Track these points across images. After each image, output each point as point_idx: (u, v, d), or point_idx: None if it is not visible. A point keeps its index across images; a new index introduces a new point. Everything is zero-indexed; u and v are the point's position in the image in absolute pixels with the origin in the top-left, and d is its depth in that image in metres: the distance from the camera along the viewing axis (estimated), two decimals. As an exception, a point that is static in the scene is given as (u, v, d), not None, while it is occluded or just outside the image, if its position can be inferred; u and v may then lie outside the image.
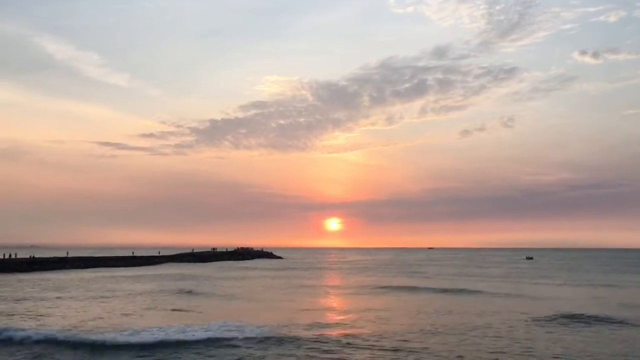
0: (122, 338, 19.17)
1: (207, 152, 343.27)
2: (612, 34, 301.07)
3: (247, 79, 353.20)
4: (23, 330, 20.81)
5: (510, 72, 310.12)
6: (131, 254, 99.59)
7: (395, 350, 18.10)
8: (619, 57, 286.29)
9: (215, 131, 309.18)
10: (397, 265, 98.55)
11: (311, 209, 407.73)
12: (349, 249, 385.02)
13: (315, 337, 20.28)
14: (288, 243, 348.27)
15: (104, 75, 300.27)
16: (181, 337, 19.66)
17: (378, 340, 19.56)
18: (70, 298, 34.68)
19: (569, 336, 20.88)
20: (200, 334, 20.16)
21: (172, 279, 55.13)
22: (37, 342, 19.12)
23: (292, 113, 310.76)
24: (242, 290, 42.36)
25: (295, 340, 19.48)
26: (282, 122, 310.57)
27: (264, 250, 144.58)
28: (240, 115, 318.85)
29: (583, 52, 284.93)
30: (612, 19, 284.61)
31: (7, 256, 73.33)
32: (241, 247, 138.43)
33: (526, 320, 24.60)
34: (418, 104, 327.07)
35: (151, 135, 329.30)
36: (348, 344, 19.07)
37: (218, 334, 20.29)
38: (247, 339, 19.70)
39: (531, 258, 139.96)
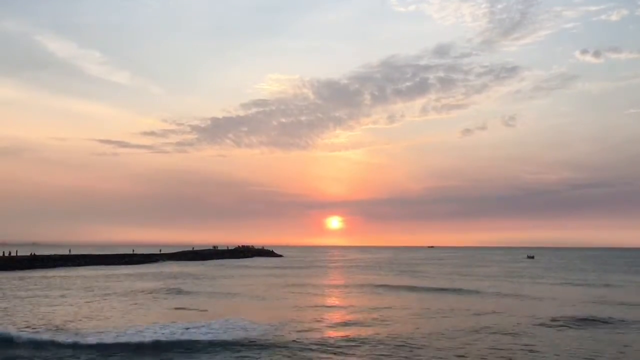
0: (91, 339, 18.75)
1: (209, 151, 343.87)
2: (613, 33, 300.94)
3: (249, 77, 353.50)
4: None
5: (511, 70, 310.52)
6: (131, 252, 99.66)
7: (398, 350, 18.06)
8: (621, 56, 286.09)
9: (217, 129, 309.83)
10: (397, 264, 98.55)
11: (312, 207, 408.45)
12: (349, 247, 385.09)
13: (312, 338, 20.19)
14: (289, 241, 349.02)
15: (105, 73, 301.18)
16: (162, 338, 19.35)
17: (381, 342, 19.42)
18: (61, 297, 34.58)
19: (573, 338, 20.57)
20: (187, 335, 19.91)
21: (170, 277, 55.23)
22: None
23: (293, 111, 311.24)
24: (237, 289, 42.27)
25: (291, 342, 19.37)
26: (283, 120, 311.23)
27: (265, 248, 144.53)
28: (242, 113, 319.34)
29: (585, 51, 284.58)
30: (614, 18, 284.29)
31: (6, 254, 73.47)
32: (242, 245, 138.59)
33: (529, 322, 24.14)
34: (419, 102, 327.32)
35: (152, 133, 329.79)
36: (348, 346, 18.91)
37: (213, 336, 20.08)
38: (243, 339, 19.58)
39: (532, 257, 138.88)
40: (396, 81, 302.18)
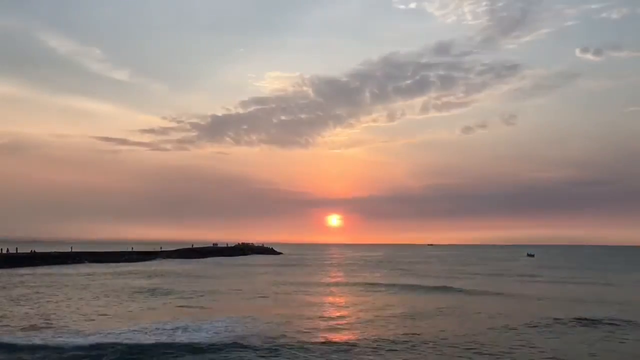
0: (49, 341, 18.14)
1: (209, 148, 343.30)
2: (614, 31, 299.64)
3: (249, 74, 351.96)
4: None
5: (512, 69, 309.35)
6: (130, 249, 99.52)
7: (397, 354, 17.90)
8: (622, 54, 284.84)
9: (217, 127, 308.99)
10: (396, 262, 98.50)
11: (312, 205, 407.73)
12: (349, 245, 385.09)
13: (309, 341, 19.97)
14: (289, 239, 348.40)
15: (105, 70, 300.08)
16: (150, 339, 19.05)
17: (380, 345, 19.21)
18: (51, 295, 34.48)
19: (577, 339, 20.12)
20: (185, 336, 19.71)
21: (160, 275, 55.13)
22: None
23: (293, 109, 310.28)
24: (223, 288, 42.14)
25: (287, 346, 19.26)
26: (283, 118, 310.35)
27: (265, 246, 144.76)
28: (242, 111, 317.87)
29: (585, 49, 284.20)
30: (615, 16, 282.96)
31: (4, 251, 73.38)
32: (242, 243, 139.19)
33: (530, 322, 23.52)
34: (420, 100, 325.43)
35: (153, 130, 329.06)
36: (345, 350, 18.64)
37: (202, 340, 20.01)
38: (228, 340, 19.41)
39: (532, 255, 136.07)
40: (397, 79, 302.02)
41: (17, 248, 79.89)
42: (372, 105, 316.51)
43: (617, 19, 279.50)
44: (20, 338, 19.01)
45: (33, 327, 21.57)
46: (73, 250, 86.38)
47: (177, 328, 21.04)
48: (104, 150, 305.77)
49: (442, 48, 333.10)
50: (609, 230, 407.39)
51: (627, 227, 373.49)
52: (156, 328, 20.93)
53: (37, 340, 18.44)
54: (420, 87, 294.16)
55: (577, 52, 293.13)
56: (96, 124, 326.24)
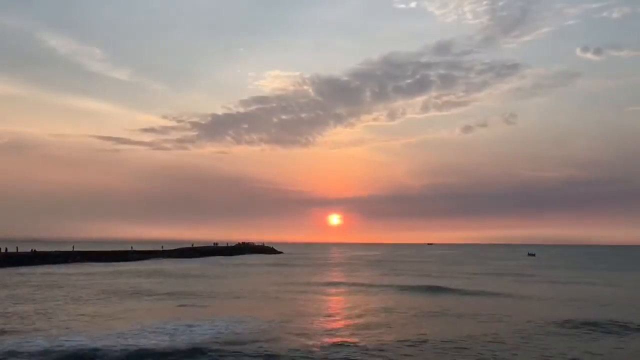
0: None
1: (209, 147, 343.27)
2: (615, 31, 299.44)
3: (249, 74, 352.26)
4: None
5: (512, 68, 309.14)
6: (130, 249, 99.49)
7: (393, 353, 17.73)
8: (622, 53, 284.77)
9: (217, 126, 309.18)
10: (397, 262, 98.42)
11: (313, 204, 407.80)
12: (349, 245, 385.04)
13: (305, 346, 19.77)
14: (290, 238, 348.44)
15: (105, 70, 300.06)
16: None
17: (382, 348, 19.01)
18: (52, 295, 34.43)
19: (587, 344, 19.02)
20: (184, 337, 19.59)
21: (155, 275, 55.06)
22: None
23: (294, 108, 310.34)
24: (214, 289, 42.03)
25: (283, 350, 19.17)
26: (284, 117, 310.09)
27: (265, 245, 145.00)
28: (242, 110, 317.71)
29: (586, 49, 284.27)
30: (616, 15, 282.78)
31: (3, 250, 73.36)
32: (242, 242, 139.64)
33: (536, 325, 22.41)
34: (420, 99, 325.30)
35: (153, 129, 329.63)
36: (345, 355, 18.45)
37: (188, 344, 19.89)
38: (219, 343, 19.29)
39: (533, 255, 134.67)
40: (397, 78, 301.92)
41: (17, 247, 79.88)
42: (373, 104, 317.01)
43: (617, 18, 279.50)
44: (21, 339, 18.89)
45: (33, 328, 21.42)
46: (75, 249, 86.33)
47: (178, 328, 20.92)
48: (104, 150, 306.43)
49: (443, 47, 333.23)
50: (609, 230, 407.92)
51: (627, 227, 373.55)
52: (156, 328, 20.81)
53: (38, 341, 18.25)
54: (421, 86, 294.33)
55: (578, 51, 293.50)
56: (96, 123, 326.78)
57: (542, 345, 18.55)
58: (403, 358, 16.86)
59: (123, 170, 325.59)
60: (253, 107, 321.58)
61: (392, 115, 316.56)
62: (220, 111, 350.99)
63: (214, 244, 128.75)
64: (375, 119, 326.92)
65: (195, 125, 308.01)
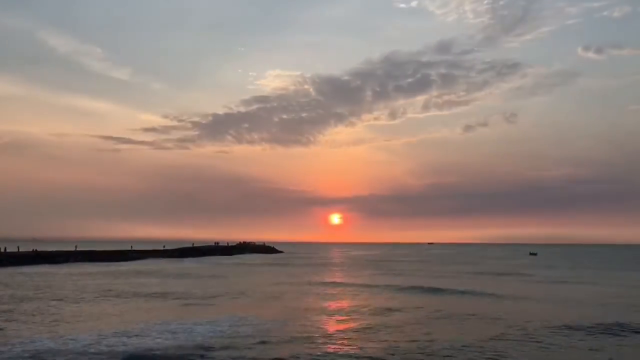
0: None
1: (210, 147, 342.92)
2: (616, 30, 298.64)
3: (250, 73, 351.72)
4: None
5: (513, 67, 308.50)
6: (130, 248, 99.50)
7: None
8: (623, 52, 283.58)
9: (218, 126, 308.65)
10: (397, 262, 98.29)
11: (314, 203, 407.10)
12: (350, 244, 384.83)
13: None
14: (290, 238, 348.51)
15: (106, 69, 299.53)
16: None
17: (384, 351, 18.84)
18: (53, 295, 34.38)
19: (606, 350, 17.92)
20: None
21: (165, 274, 55.03)
22: None
23: (294, 108, 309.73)
24: (198, 290, 41.90)
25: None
26: (284, 116, 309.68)
27: (266, 244, 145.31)
28: (243, 109, 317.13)
29: (587, 48, 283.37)
30: (617, 14, 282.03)
31: (2, 249, 73.35)
32: (243, 242, 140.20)
33: (548, 329, 21.23)
34: (421, 99, 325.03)
35: (154, 129, 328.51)
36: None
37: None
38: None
39: (535, 254, 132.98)
40: (398, 77, 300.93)
41: (18, 247, 79.88)
42: (374, 103, 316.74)
43: (618, 17, 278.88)
44: (26, 339, 18.83)
45: (37, 328, 21.39)
46: (77, 249, 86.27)
47: (181, 327, 20.95)
48: (104, 149, 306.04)
49: (443, 46, 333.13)
50: (611, 229, 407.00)
51: (628, 226, 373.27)
52: (159, 328, 20.84)
53: (44, 341, 18.25)
54: (422, 85, 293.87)
55: (579, 50, 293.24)
56: (97, 123, 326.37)
57: (553, 349, 17.76)
58: None
59: (124, 170, 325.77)
60: (254, 107, 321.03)
61: (393, 115, 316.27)
62: (221, 111, 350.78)
63: (215, 243, 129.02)
64: (376, 119, 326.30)
65: (196, 124, 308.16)
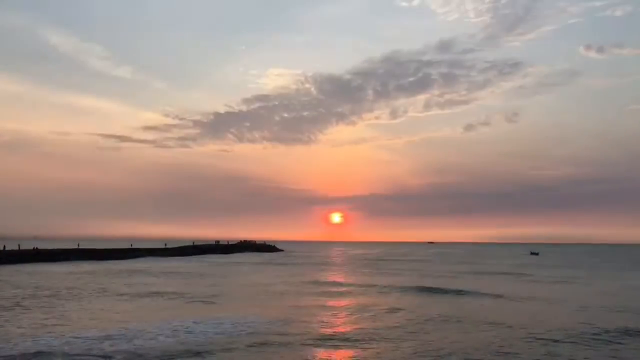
0: None
1: (211, 145, 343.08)
2: (618, 29, 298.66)
3: (251, 72, 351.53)
4: None
5: (515, 66, 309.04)
6: (130, 246, 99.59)
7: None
8: (625, 52, 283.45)
9: (219, 124, 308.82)
10: (397, 261, 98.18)
11: (314, 202, 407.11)
12: (350, 243, 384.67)
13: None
14: (291, 236, 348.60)
15: (107, 68, 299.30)
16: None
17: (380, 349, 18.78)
18: (54, 293, 34.28)
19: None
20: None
21: (166, 273, 55.02)
22: None
23: (295, 107, 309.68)
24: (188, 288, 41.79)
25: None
26: (285, 115, 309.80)
27: (267, 243, 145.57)
28: (244, 108, 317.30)
29: (588, 47, 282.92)
30: (618, 13, 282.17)
31: (1, 247, 73.36)
32: (243, 241, 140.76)
33: (559, 333, 20.27)
34: (422, 98, 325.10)
35: (155, 127, 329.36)
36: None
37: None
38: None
39: (537, 254, 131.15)
40: (399, 76, 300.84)
41: (19, 245, 79.85)
42: (375, 102, 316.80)
43: (620, 17, 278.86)
44: (29, 338, 18.78)
45: (40, 326, 21.37)
46: (79, 247, 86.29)
47: (180, 326, 20.95)
48: (105, 148, 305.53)
49: (445, 45, 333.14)
50: (612, 229, 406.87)
51: (629, 226, 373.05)
52: (161, 326, 20.83)
53: (48, 340, 18.25)
54: (423, 84, 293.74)
55: (580, 49, 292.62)
56: (98, 121, 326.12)
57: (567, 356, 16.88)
58: None
59: (125, 168, 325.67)
60: (255, 105, 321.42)
61: (394, 114, 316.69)
62: (222, 109, 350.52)
63: (216, 242, 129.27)
64: (377, 118, 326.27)
65: (197, 123, 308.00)
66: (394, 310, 27.12)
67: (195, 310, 26.60)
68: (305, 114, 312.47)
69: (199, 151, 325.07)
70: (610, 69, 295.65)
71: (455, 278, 50.88)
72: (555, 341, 18.95)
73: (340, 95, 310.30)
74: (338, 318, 24.73)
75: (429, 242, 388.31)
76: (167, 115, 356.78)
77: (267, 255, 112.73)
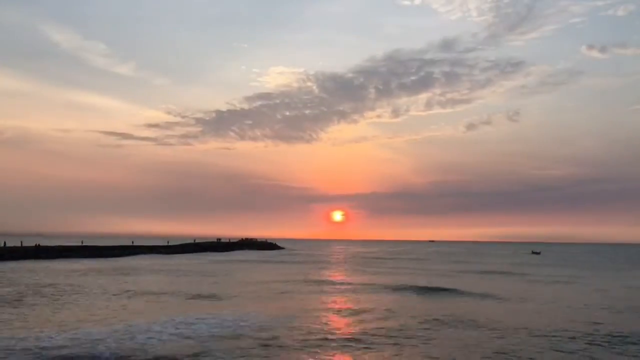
0: None
1: (213, 143, 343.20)
2: (620, 29, 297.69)
3: (253, 70, 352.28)
4: None
5: (517, 65, 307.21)
6: (131, 244, 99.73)
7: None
8: (627, 51, 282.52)
9: (221, 122, 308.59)
10: (397, 260, 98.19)
11: (316, 200, 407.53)
12: (351, 241, 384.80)
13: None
14: (293, 234, 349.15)
15: (109, 65, 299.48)
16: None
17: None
18: (54, 292, 34.44)
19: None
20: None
21: (166, 271, 55.12)
22: None
23: (297, 105, 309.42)
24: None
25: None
26: (287, 113, 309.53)
27: (268, 241, 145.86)
28: (246, 106, 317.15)
29: (591, 47, 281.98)
30: (621, 13, 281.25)
31: (2, 244, 73.52)
32: (244, 238, 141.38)
33: (566, 336, 19.63)
34: (424, 96, 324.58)
35: (157, 125, 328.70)
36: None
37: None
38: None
39: (538, 253, 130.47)
40: (401, 75, 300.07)
41: (21, 242, 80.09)
42: (376, 101, 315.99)
43: (623, 16, 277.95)
44: (33, 333, 18.90)
45: (43, 323, 21.50)
46: (80, 244, 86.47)
47: (182, 323, 21.05)
48: (107, 145, 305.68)
49: (447, 44, 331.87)
50: (614, 228, 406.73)
51: (631, 225, 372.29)
52: (164, 323, 20.94)
53: (52, 336, 18.34)
54: (425, 83, 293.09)
55: (583, 49, 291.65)
56: (100, 118, 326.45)
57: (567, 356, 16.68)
58: None
59: (126, 165, 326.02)
60: (257, 104, 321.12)
61: (395, 112, 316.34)
62: (224, 107, 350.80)
63: (217, 239, 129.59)
64: (378, 116, 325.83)
65: (199, 121, 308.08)
66: (393, 310, 27.10)
67: (197, 307, 26.71)
68: (307, 112, 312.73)
69: (201, 149, 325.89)
70: (612, 68, 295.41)
71: (455, 277, 50.77)
72: (556, 341, 19.03)
73: (342, 94, 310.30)
74: (338, 317, 24.79)
75: (429, 241, 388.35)
76: (169, 113, 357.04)
77: (268, 253, 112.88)
